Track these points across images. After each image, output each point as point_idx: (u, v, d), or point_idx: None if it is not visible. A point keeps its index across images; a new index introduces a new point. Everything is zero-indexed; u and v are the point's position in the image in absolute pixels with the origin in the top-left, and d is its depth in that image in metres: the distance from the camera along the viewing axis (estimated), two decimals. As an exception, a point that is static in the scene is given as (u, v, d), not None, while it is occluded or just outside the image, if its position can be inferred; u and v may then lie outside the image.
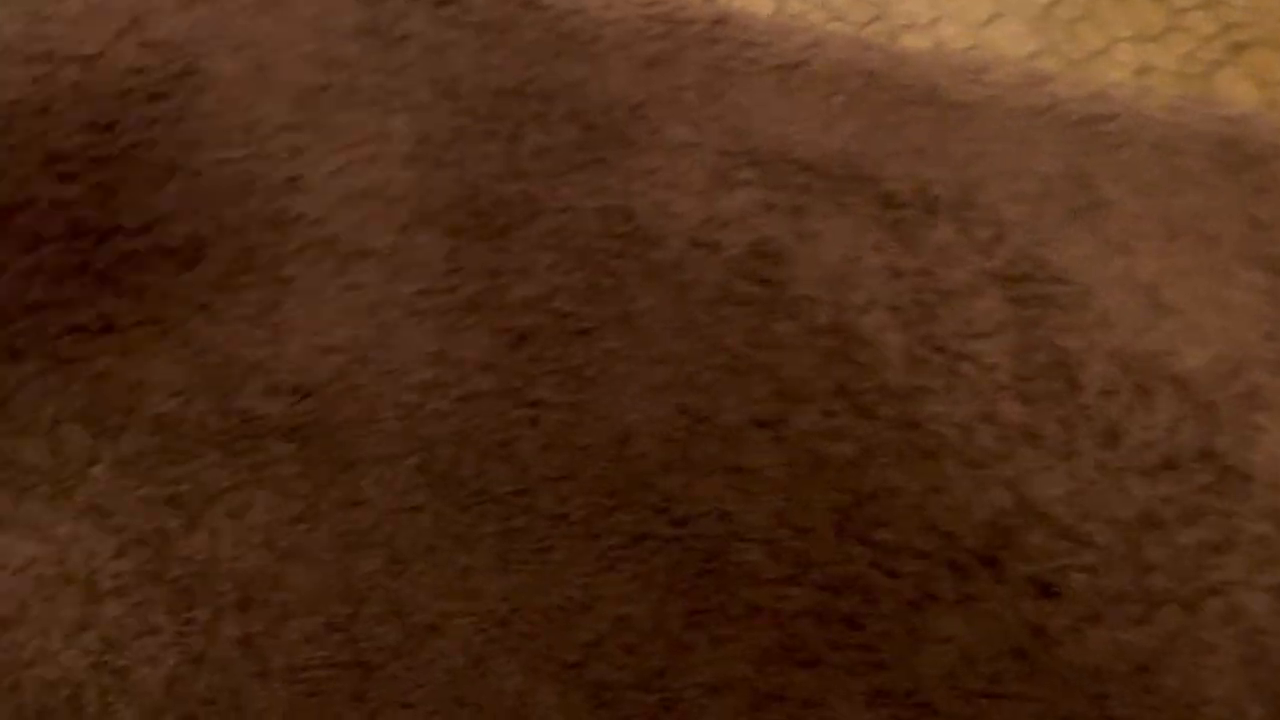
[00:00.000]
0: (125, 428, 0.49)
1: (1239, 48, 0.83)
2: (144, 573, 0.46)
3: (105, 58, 0.61)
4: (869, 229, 0.69)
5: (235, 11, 0.63)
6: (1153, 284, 0.71)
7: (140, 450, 0.49)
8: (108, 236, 0.55)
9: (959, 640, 0.54)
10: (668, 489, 0.55)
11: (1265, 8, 0.83)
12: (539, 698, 0.48)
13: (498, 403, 0.56)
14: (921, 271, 0.68)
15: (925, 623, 0.54)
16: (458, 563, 0.50)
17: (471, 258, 0.60)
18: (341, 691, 0.46)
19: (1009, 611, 0.56)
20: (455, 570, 0.50)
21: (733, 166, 0.69)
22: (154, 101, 0.61)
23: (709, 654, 0.51)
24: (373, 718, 0.46)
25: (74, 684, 0.43)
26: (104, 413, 0.49)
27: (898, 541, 0.57)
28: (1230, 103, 0.86)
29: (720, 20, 0.74)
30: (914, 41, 0.77)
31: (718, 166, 0.69)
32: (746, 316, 0.63)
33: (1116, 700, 0.54)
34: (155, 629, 0.45)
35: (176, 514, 0.48)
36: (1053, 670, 0.55)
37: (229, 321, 0.54)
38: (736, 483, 0.56)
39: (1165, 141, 0.80)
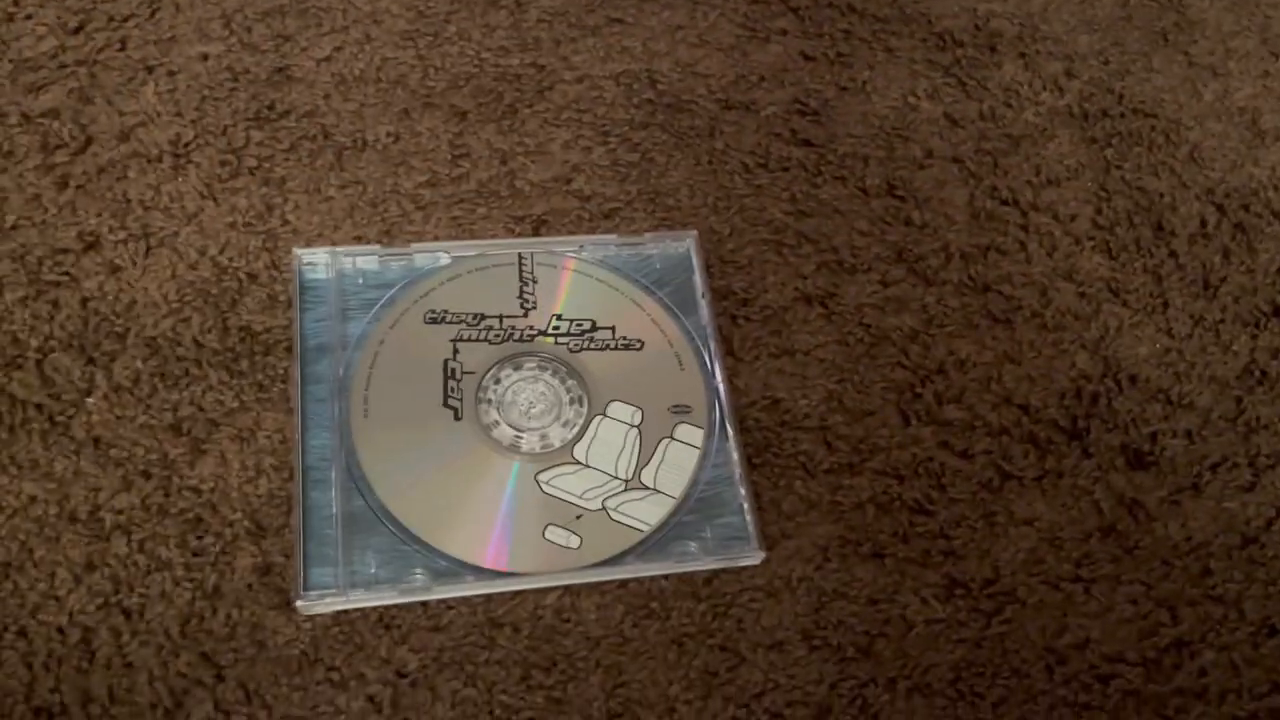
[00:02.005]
0: (118, 353, 0.45)
1: None
2: (150, 506, 0.43)
3: (71, -46, 0.55)
4: (922, 74, 0.61)
5: (207, -109, 0.57)
6: (1251, 109, 0.63)
7: (135, 375, 0.45)
8: (85, 148, 0.50)
9: (1042, 522, 0.49)
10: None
11: None
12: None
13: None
14: (984, 116, 0.60)
15: (1003, 505, 0.49)
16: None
17: (480, 142, 0.54)
18: (368, 618, 0.42)
19: (1098, 487, 0.50)
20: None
21: (766, 15, 0.61)
22: (125, -3, 0.55)
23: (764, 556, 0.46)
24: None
25: (84, 627, 0.40)
26: (95, 339, 0.45)
27: (969, 419, 0.51)
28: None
29: None
30: None
31: (749, 17, 0.61)
32: (789, 183, 0.56)
33: (1220, 576, 0.48)
34: (166, 564, 0.42)
35: (180, 440, 0.44)
36: (1148, 548, 0.49)
37: (223, 214, 0.50)
38: (786, 366, 0.51)
39: (1260, -54, 0.69)
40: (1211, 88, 0.63)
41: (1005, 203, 0.57)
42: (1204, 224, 0.58)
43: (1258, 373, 0.54)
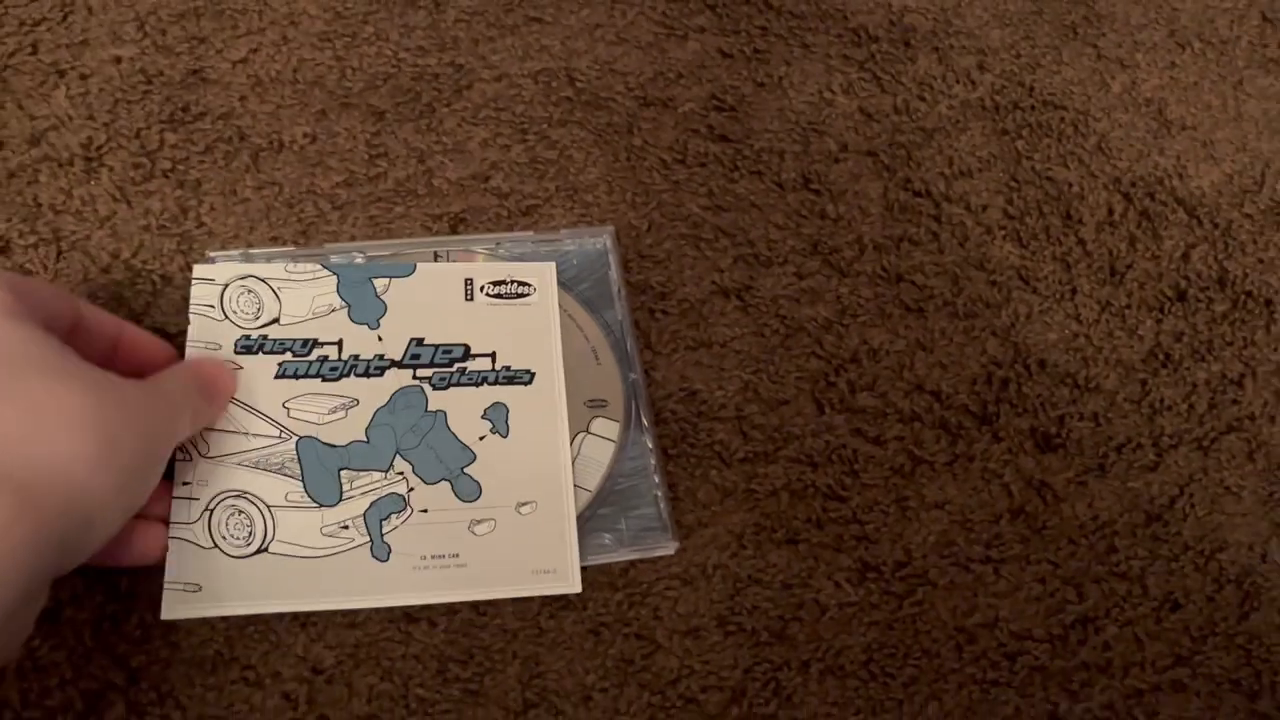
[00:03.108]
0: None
1: None
2: (61, 511, 0.43)
3: (-20, -43, 0.54)
4: (837, 70, 0.62)
5: (121, -107, 0.57)
6: (1157, 100, 0.64)
7: None
8: (-5, 153, 0.50)
9: (952, 505, 0.50)
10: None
11: None
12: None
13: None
14: (898, 110, 0.61)
15: (914, 490, 0.50)
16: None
17: (397, 141, 0.54)
18: None
19: (1007, 470, 0.51)
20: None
21: (683, 13, 0.62)
22: (36, 0, 0.55)
23: (678, 543, 0.47)
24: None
25: (-7, 634, 0.40)
26: None
27: (881, 406, 0.52)
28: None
29: None
30: None
31: (667, 15, 0.62)
32: (706, 179, 0.57)
33: (1125, 554, 0.50)
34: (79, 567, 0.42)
35: None
36: (1056, 528, 0.50)
37: (136, 217, 0.49)
38: (703, 358, 0.51)
39: (1169, -59, 0.71)
40: (1119, 80, 0.64)
41: (918, 194, 0.58)
42: (1111, 212, 0.59)
43: (1162, 356, 0.55)
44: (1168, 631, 0.48)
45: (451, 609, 0.43)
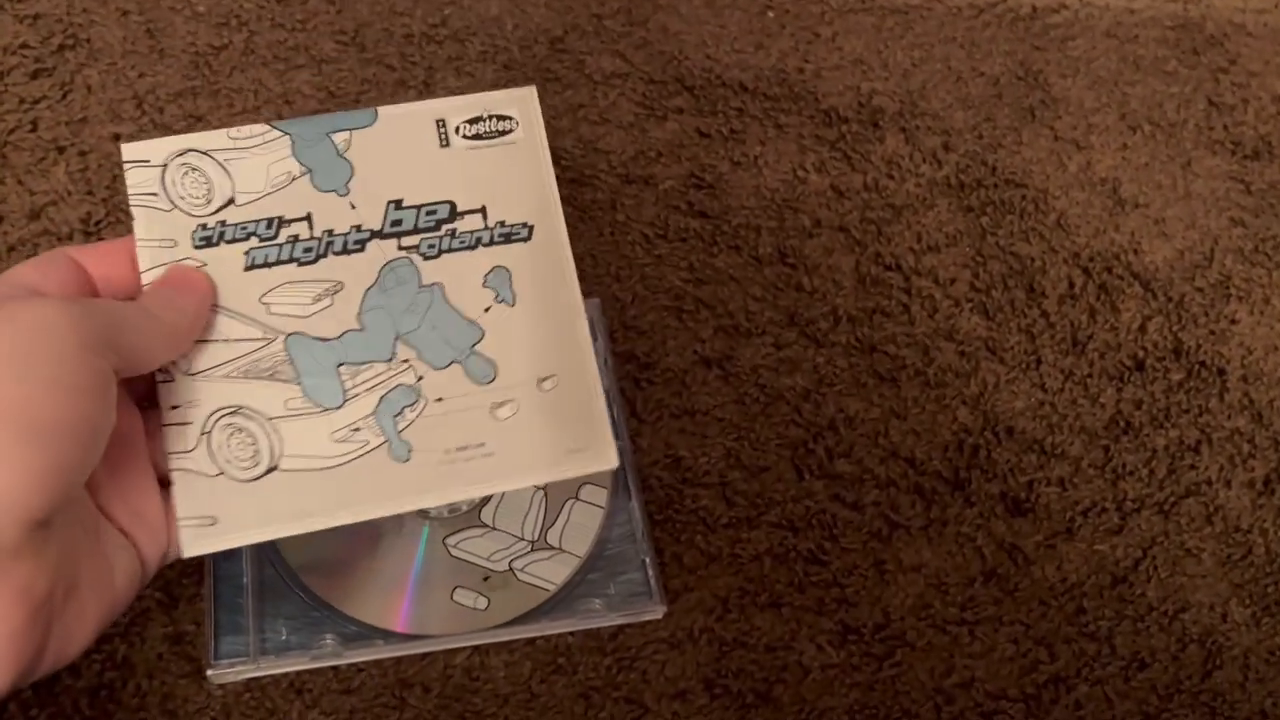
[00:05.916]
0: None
1: (1187, -78, 0.78)
2: (59, 580, 0.44)
3: (-19, 37, 0.57)
4: (810, 149, 0.65)
5: (120, -25, 0.59)
6: (1112, 180, 0.68)
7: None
8: (-5, 227, 0.52)
9: (928, 568, 0.52)
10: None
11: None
12: (490, 670, 0.46)
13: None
14: (868, 188, 0.64)
15: (892, 553, 0.52)
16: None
17: (389, 216, 0.56)
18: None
19: (979, 534, 0.54)
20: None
21: (663, 95, 0.65)
22: (36, 79, 0.57)
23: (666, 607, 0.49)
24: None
25: (-9, 704, 0.41)
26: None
27: (858, 472, 0.54)
28: (1183, -17, 0.82)
29: (639, -60, 0.70)
30: (845, -55, 0.73)
31: (647, 96, 0.65)
32: (687, 253, 0.60)
33: (1093, 615, 0.52)
34: (75, 637, 0.43)
35: (89, 515, 0.45)
36: (1027, 590, 0.52)
37: (133, 306, 0.51)
38: (687, 426, 0.54)
39: (1118, 29, 0.76)
40: (1075, 160, 0.68)
41: (889, 268, 0.61)
42: (1072, 286, 0.63)
43: (1123, 423, 0.58)
44: (1136, 690, 0.51)
45: (446, 671, 0.45)
